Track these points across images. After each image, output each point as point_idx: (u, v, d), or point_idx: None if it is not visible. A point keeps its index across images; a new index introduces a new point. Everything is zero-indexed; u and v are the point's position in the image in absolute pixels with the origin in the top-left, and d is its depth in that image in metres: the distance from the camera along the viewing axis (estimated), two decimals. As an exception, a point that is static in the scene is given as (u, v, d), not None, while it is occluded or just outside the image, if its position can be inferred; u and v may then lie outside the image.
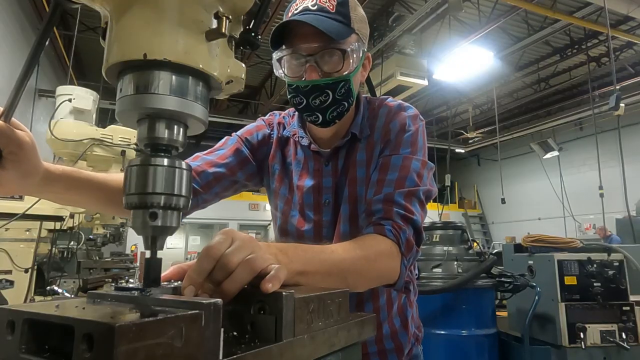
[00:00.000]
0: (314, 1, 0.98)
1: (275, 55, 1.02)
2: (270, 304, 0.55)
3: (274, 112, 1.27)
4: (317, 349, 0.59)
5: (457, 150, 15.60)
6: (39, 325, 0.44)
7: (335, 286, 0.79)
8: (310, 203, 1.12)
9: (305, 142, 1.14)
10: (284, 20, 0.98)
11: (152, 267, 0.61)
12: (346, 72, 1.00)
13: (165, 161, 0.60)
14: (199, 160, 1.14)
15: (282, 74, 1.04)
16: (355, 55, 1.00)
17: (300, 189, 1.13)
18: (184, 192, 0.61)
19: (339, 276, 0.82)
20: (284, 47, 1.01)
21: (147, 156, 0.61)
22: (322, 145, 1.13)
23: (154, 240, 0.61)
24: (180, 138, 0.64)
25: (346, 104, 1.03)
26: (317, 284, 0.78)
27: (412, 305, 1.19)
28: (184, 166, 0.62)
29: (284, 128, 1.21)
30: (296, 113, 1.19)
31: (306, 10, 0.98)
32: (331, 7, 0.98)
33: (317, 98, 1.00)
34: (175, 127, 0.63)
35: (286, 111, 1.26)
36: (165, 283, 0.61)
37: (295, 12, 1.00)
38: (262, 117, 1.27)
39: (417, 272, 1.26)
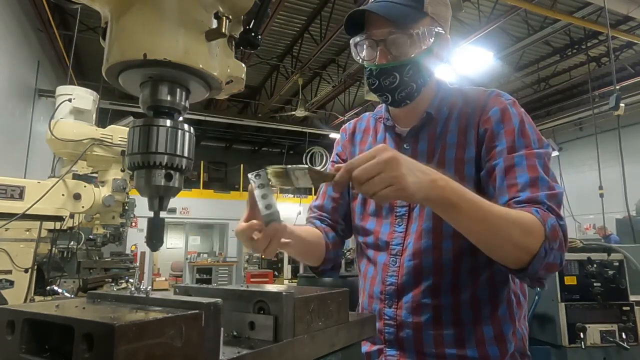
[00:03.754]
0: None
1: (352, 41, 1.11)
2: (270, 304, 0.55)
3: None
4: (317, 349, 0.59)
5: (457, 150, 15.57)
6: (39, 325, 0.44)
7: (482, 236, 0.88)
8: None
9: (389, 123, 1.19)
10: (359, 8, 1.06)
11: (155, 227, 0.61)
12: (413, 55, 1.05)
13: (168, 122, 0.61)
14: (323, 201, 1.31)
15: (360, 58, 1.12)
16: (424, 39, 1.05)
17: None
18: (186, 153, 0.62)
19: (490, 229, 0.86)
20: (363, 33, 1.09)
21: (150, 117, 0.61)
22: (401, 126, 1.18)
23: (158, 200, 0.62)
24: (182, 101, 0.64)
25: (415, 85, 1.07)
26: (466, 225, 0.86)
27: (516, 322, 1.07)
28: (186, 128, 0.62)
29: (357, 126, 1.32)
30: None
31: None
32: None
33: (386, 79, 1.06)
34: (178, 90, 0.63)
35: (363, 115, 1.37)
36: None
37: None
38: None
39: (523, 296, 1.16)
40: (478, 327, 1.02)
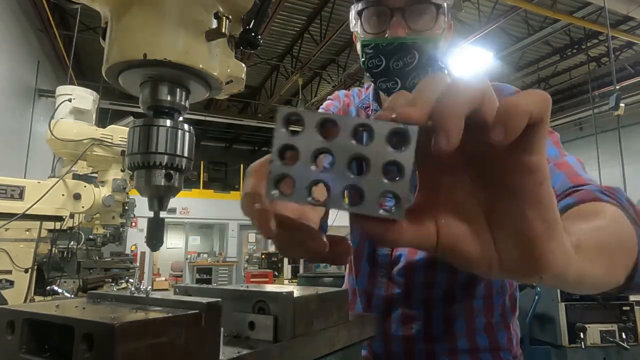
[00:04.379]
0: None
1: (356, 7, 0.89)
2: (270, 304, 0.55)
3: (340, 91, 1.15)
4: (317, 349, 0.59)
5: (457, 150, 15.59)
6: (39, 325, 0.44)
7: (605, 269, 0.45)
8: None
9: None
10: None
11: (155, 227, 0.61)
12: (439, 31, 0.86)
13: (168, 122, 0.61)
14: None
15: (360, 30, 0.90)
16: (447, 15, 0.88)
17: None
18: (186, 153, 0.62)
19: (613, 252, 0.47)
20: None
21: (150, 117, 0.61)
22: None
23: (158, 200, 0.62)
24: (182, 101, 0.64)
25: (430, 71, 0.89)
26: (590, 267, 0.42)
27: (510, 328, 0.99)
28: (186, 128, 0.63)
29: (352, 101, 1.10)
30: (371, 85, 1.05)
31: None
32: None
33: (400, 60, 0.85)
34: (177, 90, 0.63)
35: (351, 90, 1.14)
36: None
37: None
38: (330, 97, 1.14)
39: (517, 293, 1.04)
40: (472, 339, 0.95)
